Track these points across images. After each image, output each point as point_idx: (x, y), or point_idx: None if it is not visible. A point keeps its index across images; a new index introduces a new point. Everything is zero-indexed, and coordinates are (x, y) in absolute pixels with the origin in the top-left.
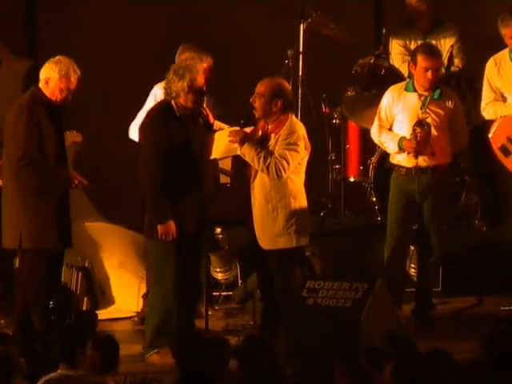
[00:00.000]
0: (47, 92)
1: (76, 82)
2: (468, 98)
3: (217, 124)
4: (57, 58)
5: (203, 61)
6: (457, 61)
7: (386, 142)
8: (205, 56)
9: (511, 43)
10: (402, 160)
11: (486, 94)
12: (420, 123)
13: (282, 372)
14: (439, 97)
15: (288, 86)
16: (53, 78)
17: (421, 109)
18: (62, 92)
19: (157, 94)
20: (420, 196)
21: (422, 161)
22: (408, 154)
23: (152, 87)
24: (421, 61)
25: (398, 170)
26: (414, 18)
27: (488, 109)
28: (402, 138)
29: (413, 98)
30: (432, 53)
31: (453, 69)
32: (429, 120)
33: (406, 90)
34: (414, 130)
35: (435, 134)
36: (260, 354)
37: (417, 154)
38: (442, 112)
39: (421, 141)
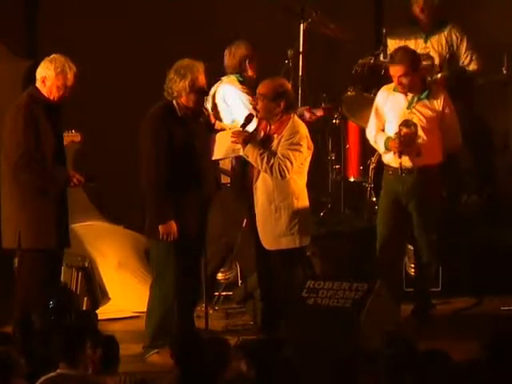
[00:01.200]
0: (44, 91)
1: (73, 78)
2: (468, 98)
3: (218, 124)
4: (51, 56)
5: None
6: (472, 64)
7: (377, 141)
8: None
9: None
10: (390, 160)
11: None
12: (406, 123)
13: (296, 375)
14: (426, 97)
15: (290, 86)
16: (49, 76)
17: (407, 108)
18: (59, 90)
19: (225, 90)
20: (406, 197)
21: (408, 161)
22: (394, 153)
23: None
24: (388, 68)
25: (387, 170)
26: (417, 17)
27: None
28: (389, 138)
29: (400, 98)
30: (393, 61)
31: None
32: (415, 120)
33: (394, 89)
34: (399, 130)
35: (422, 134)
36: (275, 357)
37: (400, 154)
38: (429, 112)
39: (404, 140)
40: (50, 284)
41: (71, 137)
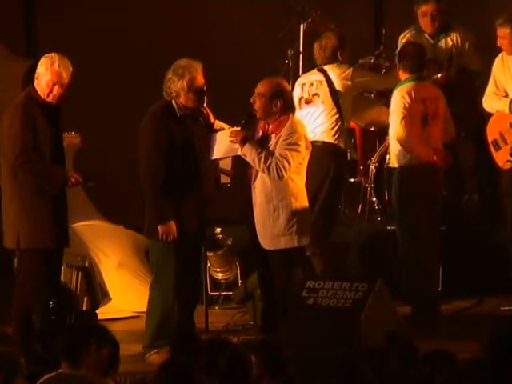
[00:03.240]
0: (39, 89)
1: (68, 77)
2: (469, 98)
3: (217, 124)
4: (49, 54)
5: None
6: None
7: None
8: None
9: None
10: None
11: (489, 87)
12: None
13: (289, 375)
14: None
15: (288, 86)
16: (41, 72)
17: None
18: (48, 85)
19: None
20: None
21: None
22: None
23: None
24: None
25: None
26: (425, 26)
27: (488, 101)
28: None
29: None
30: None
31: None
32: None
33: None
34: None
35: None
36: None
37: None
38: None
39: None
40: (49, 284)
41: (70, 138)
